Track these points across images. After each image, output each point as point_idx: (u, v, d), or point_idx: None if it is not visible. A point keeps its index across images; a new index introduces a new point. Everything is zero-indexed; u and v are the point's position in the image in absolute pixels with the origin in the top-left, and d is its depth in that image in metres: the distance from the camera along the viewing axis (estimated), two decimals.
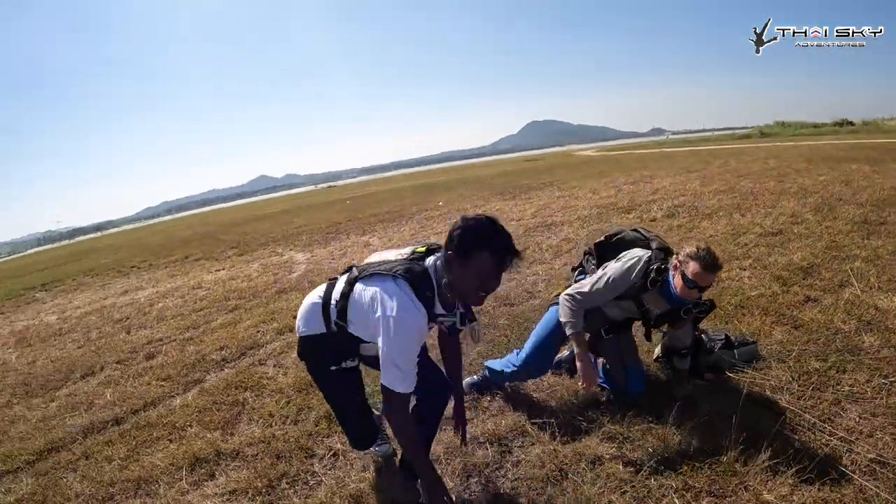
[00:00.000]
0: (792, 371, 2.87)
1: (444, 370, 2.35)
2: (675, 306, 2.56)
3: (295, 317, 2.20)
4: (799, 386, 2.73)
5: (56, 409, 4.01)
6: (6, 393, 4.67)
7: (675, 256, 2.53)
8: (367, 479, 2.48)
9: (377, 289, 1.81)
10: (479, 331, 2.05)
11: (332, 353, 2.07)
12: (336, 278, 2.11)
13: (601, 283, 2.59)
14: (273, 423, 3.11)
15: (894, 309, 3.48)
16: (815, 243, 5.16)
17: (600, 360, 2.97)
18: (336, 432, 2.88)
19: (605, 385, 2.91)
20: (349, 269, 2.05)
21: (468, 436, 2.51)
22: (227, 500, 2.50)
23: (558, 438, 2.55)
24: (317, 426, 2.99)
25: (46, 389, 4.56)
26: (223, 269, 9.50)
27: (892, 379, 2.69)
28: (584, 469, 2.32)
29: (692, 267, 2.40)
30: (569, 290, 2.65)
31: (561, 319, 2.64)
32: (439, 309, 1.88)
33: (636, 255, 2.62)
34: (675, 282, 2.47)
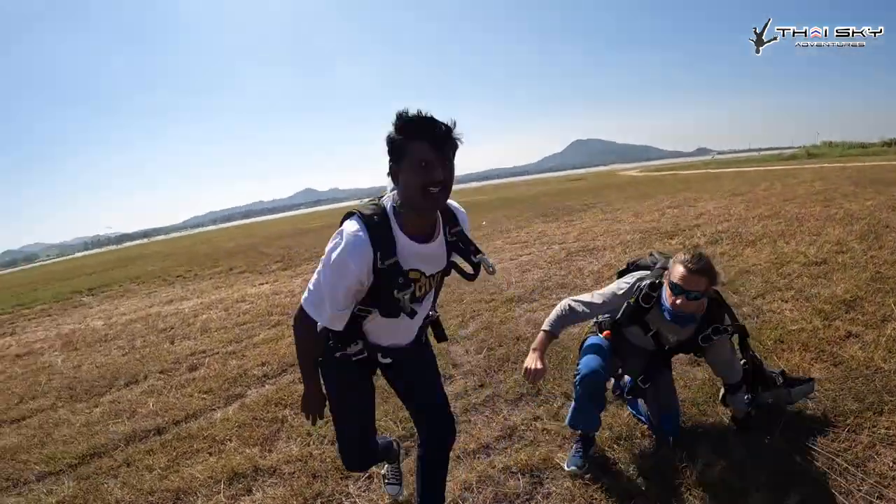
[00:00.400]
0: (828, 411, 2.81)
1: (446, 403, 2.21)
2: (681, 324, 2.45)
3: None
4: (834, 427, 2.68)
5: (99, 415, 4.21)
6: (51, 395, 4.95)
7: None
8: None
9: None
10: (490, 262, 1.87)
11: (336, 331, 1.89)
12: None
13: (595, 297, 2.57)
14: (311, 442, 3.19)
15: None
16: (860, 274, 5.07)
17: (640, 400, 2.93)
18: None
19: (640, 418, 2.90)
20: None
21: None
22: None
23: (590, 473, 2.57)
24: None
25: (91, 395, 4.79)
26: (267, 283, 9.80)
27: None
28: None
29: (676, 271, 2.34)
30: (570, 299, 2.63)
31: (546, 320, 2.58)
32: (403, 238, 1.71)
33: (635, 275, 2.61)
34: (665, 292, 2.41)
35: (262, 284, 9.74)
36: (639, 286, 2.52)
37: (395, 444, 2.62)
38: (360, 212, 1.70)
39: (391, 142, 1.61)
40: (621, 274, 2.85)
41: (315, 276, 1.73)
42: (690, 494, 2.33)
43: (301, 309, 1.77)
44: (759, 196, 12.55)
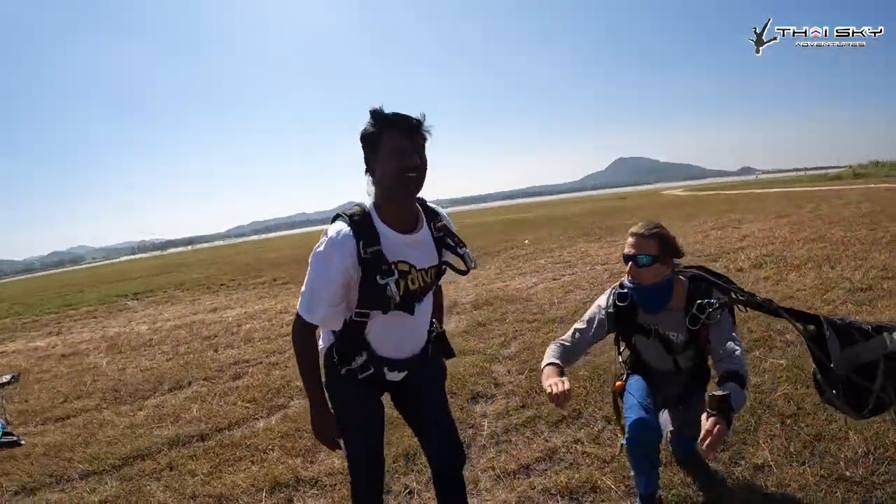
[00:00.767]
0: (868, 443, 2.69)
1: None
2: (651, 306, 2.37)
3: None
4: (874, 459, 2.57)
5: (144, 418, 4.38)
6: (96, 397, 5.18)
7: None
8: None
9: None
10: (471, 257, 1.93)
11: (339, 345, 1.94)
12: None
13: (578, 323, 2.54)
14: None
15: None
16: None
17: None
18: (412, 471, 2.98)
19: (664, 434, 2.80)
20: None
21: None
22: None
23: (629, 498, 2.53)
24: (394, 463, 3.06)
25: (135, 398, 4.99)
26: None
27: None
28: None
29: (626, 242, 2.33)
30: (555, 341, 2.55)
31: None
32: (385, 229, 1.77)
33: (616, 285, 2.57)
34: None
35: None
36: (614, 290, 2.48)
37: None
38: (343, 213, 1.79)
39: (367, 136, 1.73)
40: None
41: (305, 279, 1.80)
42: None
43: (296, 316, 1.83)
44: (805, 218, 12.47)
